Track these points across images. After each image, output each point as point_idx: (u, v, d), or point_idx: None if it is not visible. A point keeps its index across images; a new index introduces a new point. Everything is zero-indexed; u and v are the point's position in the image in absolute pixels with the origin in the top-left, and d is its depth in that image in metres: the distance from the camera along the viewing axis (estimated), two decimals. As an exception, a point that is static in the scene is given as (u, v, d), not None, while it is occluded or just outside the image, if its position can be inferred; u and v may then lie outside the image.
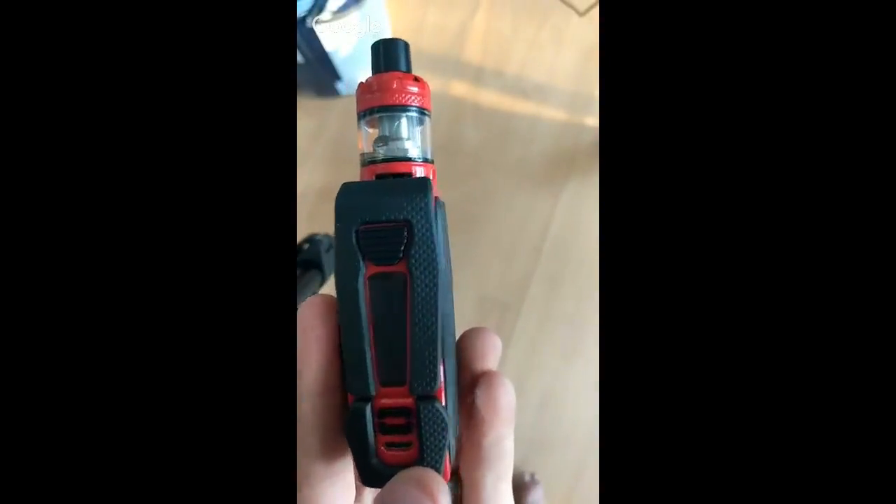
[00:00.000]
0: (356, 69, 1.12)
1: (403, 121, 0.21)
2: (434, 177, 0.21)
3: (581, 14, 1.12)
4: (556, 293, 1.13)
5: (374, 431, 0.19)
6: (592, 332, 1.10)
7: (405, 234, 0.18)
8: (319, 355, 0.19)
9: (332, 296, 0.19)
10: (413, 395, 0.18)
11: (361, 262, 0.18)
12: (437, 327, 0.18)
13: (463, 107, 1.21)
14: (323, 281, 0.67)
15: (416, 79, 0.21)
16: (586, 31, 1.22)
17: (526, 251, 1.15)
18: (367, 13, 1.02)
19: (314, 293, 0.65)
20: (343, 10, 0.96)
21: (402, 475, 0.18)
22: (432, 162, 0.21)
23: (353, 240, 0.18)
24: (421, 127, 0.21)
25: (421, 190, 0.18)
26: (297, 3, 0.90)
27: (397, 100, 0.20)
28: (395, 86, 0.20)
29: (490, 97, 1.21)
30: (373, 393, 0.18)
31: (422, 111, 0.21)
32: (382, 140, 0.20)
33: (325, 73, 1.09)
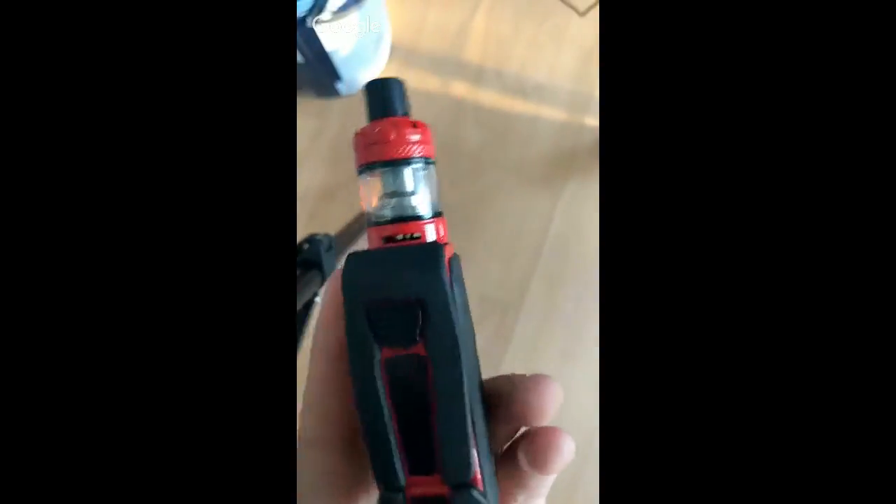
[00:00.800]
0: (356, 69, 1.12)
1: (408, 173, 0.19)
2: (445, 229, 0.20)
3: (581, 14, 1.12)
4: (556, 293, 1.13)
5: None
6: (592, 331, 1.10)
7: (419, 313, 0.17)
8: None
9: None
10: (447, 484, 0.17)
11: (376, 347, 0.17)
12: (466, 412, 0.17)
13: (463, 107, 1.21)
14: (323, 280, 0.67)
15: (416, 124, 0.19)
16: (586, 31, 1.21)
17: (526, 251, 1.15)
18: (368, 13, 1.02)
19: (314, 293, 0.65)
20: (343, 9, 0.96)
21: None
22: (442, 214, 0.20)
23: (365, 321, 0.17)
24: (426, 176, 0.20)
25: (433, 262, 0.17)
26: (297, 3, 0.90)
27: (399, 153, 0.19)
28: (394, 137, 0.19)
29: (490, 97, 1.21)
30: (402, 484, 0.17)
31: (426, 161, 0.19)
32: (388, 196, 0.19)
33: (326, 74, 1.09)
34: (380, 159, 0.19)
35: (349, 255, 0.18)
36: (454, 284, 0.17)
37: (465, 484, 0.17)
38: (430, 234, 0.19)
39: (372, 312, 0.17)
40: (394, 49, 1.22)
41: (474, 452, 0.17)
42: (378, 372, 0.17)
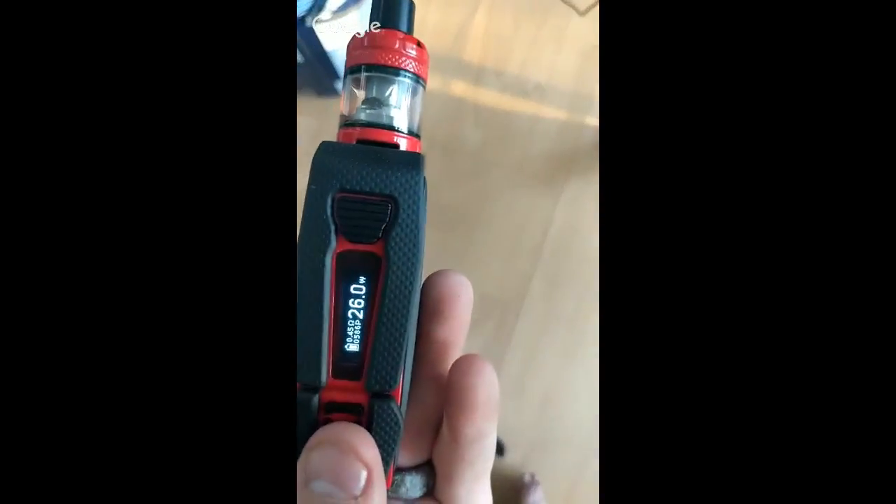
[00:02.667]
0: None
1: (395, 85, 0.19)
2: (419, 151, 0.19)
3: (581, 13, 1.12)
4: (555, 293, 1.13)
5: (319, 426, 0.17)
6: (592, 331, 1.10)
7: (389, 211, 0.16)
8: None
9: None
10: (368, 391, 0.17)
11: (333, 235, 0.16)
12: (407, 322, 0.16)
13: (463, 106, 1.21)
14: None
15: (417, 42, 0.19)
16: (586, 31, 1.22)
17: (526, 250, 1.15)
18: (367, 12, 1.02)
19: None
20: (343, 9, 0.96)
21: (315, 438, 0.15)
22: (419, 137, 0.19)
23: (328, 208, 0.16)
24: (413, 97, 0.19)
25: (413, 165, 0.17)
26: (297, 3, 0.90)
27: (391, 61, 0.18)
28: (389, 45, 0.18)
29: (490, 97, 1.21)
30: (323, 383, 0.17)
31: (416, 79, 0.19)
32: (368, 103, 0.19)
33: (325, 73, 1.09)
34: (369, 62, 0.18)
35: (323, 143, 0.17)
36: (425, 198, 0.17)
37: (385, 394, 0.17)
38: (403, 147, 0.18)
39: (337, 202, 0.16)
40: (394, 49, 1.21)
41: (403, 364, 0.17)
42: (329, 261, 0.16)
